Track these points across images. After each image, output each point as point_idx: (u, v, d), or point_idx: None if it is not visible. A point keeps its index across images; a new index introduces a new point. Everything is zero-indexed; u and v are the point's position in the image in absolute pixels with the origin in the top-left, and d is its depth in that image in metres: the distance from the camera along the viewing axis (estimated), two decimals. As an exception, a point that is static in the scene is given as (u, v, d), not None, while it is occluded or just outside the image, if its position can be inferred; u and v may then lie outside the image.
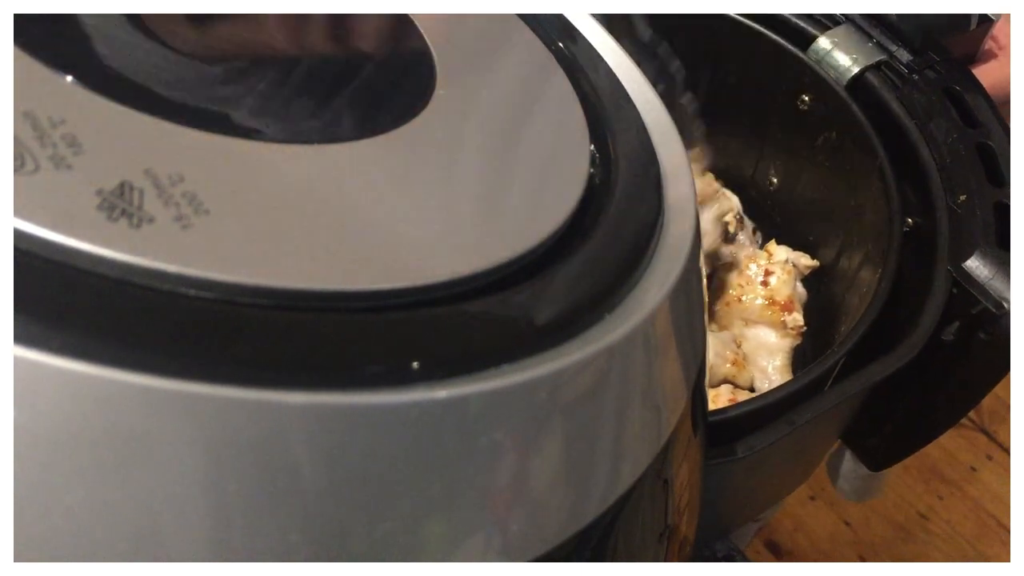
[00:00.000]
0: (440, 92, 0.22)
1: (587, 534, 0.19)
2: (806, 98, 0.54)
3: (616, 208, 0.22)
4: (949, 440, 1.29)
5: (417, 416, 0.16)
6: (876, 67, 0.50)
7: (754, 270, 0.53)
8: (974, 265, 0.42)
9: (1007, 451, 1.20)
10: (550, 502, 0.18)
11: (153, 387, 0.14)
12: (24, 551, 0.14)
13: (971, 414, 1.33)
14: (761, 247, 0.57)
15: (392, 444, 0.15)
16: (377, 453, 0.15)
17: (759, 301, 0.52)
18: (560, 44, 0.27)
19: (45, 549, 0.14)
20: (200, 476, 0.14)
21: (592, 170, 0.22)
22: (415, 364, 0.16)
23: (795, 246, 0.56)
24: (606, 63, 0.27)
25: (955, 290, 0.42)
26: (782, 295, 0.52)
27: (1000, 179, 0.45)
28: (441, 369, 0.16)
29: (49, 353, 0.13)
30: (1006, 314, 0.41)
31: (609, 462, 0.19)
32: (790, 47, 0.53)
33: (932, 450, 1.28)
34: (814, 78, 0.52)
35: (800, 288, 0.54)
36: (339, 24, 0.24)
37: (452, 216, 0.20)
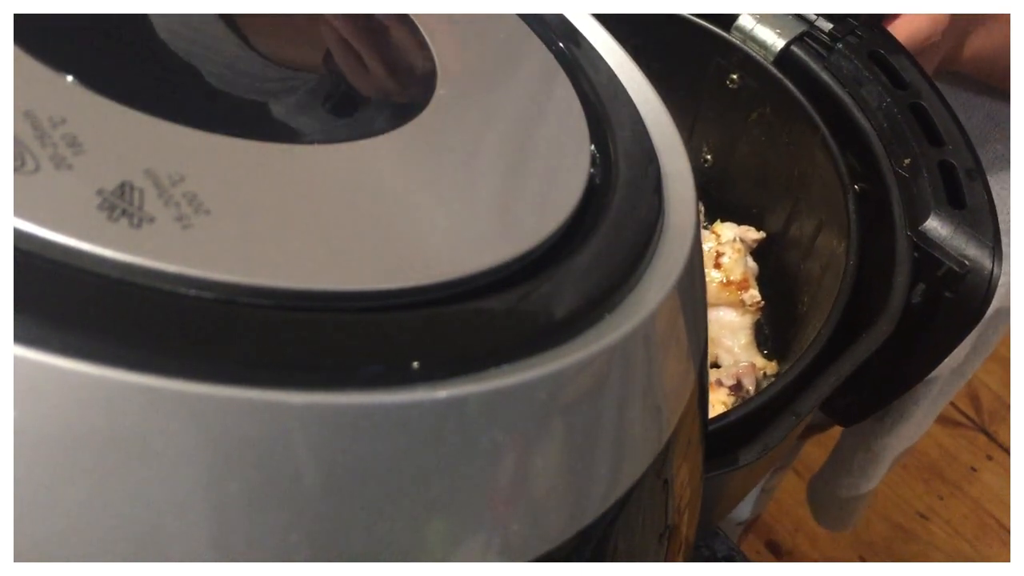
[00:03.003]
0: (440, 92, 0.22)
1: (587, 534, 0.19)
2: (735, 76, 0.54)
3: (616, 208, 0.22)
4: (949, 440, 1.29)
5: (417, 416, 0.16)
6: (800, 39, 0.50)
7: (705, 251, 0.54)
8: (931, 227, 0.43)
9: (1007, 451, 1.20)
10: (550, 502, 0.18)
11: (153, 387, 0.14)
12: (24, 551, 0.14)
13: (971, 414, 1.33)
14: (706, 225, 0.57)
15: (392, 444, 0.15)
16: (377, 453, 0.15)
17: (714, 283, 0.53)
18: (560, 44, 0.27)
19: (45, 549, 0.14)
20: (200, 476, 0.14)
21: (592, 170, 0.22)
22: (415, 364, 0.16)
23: (739, 220, 0.56)
24: (606, 63, 0.27)
25: (916, 254, 0.43)
26: (736, 274, 0.53)
27: (939, 138, 0.46)
28: (441, 369, 0.16)
29: (49, 353, 0.13)
30: (969, 271, 0.42)
31: (609, 462, 0.19)
32: (713, 28, 0.53)
33: (932, 450, 1.29)
34: (741, 56, 0.52)
35: (751, 262, 0.54)
36: (339, 24, 0.24)
37: (452, 216, 0.20)
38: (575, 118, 0.24)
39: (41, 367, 0.13)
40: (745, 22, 0.52)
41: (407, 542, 0.16)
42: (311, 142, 0.19)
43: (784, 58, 0.51)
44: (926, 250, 0.43)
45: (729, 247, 0.53)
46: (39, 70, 0.17)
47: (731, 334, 0.53)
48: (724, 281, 0.53)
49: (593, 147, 0.23)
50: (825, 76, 0.49)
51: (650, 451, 0.20)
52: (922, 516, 1.15)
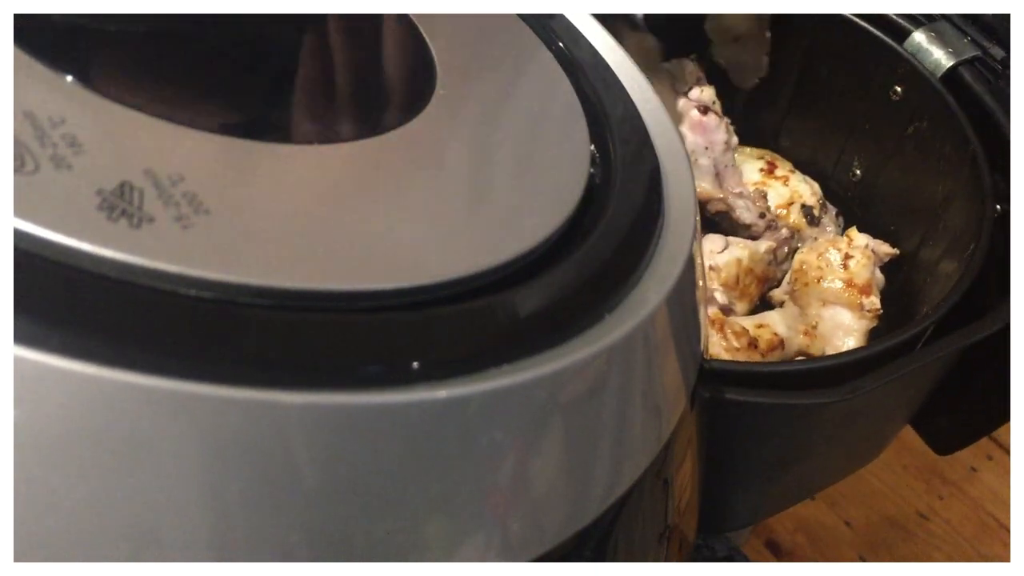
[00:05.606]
0: (440, 92, 0.22)
1: (587, 534, 0.19)
2: (899, 89, 0.55)
3: (616, 208, 0.22)
4: (949, 440, 1.28)
5: (417, 416, 0.16)
6: (970, 62, 0.52)
7: (834, 254, 0.55)
8: None
9: (1007, 451, 1.20)
10: (550, 502, 0.18)
11: (153, 387, 0.14)
12: (24, 551, 0.14)
13: (971, 414, 1.32)
14: (842, 234, 0.58)
15: (392, 444, 0.15)
16: (377, 453, 0.15)
17: (838, 283, 0.54)
18: (560, 44, 0.27)
19: (45, 549, 0.14)
20: (200, 476, 0.14)
21: (592, 170, 0.22)
22: (415, 364, 0.16)
23: (875, 236, 0.57)
24: (606, 63, 0.27)
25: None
26: (861, 278, 0.54)
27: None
28: (441, 369, 0.16)
29: (49, 353, 0.13)
30: None
31: (609, 462, 0.19)
32: (887, 39, 0.55)
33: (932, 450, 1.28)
34: (909, 69, 0.54)
35: (878, 274, 0.55)
36: (339, 24, 0.24)
37: (452, 216, 0.20)
38: (575, 118, 0.24)
39: (41, 367, 0.13)
40: (919, 37, 0.53)
41: (407, 542, 0.16)
42: (311, 142, 0.19)
43: (950, 77, 0.52)
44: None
45: (859, 252, 0.54)
46: (39, 70, 0.17)
47: (843, 334, 0.53)
48: (847, 283, 0.53)
49: (593, 147, 0.23)
50: (988, 99, 0.50)
51: (650, 451, 0.20)
52: (922, 516, 1.15)
